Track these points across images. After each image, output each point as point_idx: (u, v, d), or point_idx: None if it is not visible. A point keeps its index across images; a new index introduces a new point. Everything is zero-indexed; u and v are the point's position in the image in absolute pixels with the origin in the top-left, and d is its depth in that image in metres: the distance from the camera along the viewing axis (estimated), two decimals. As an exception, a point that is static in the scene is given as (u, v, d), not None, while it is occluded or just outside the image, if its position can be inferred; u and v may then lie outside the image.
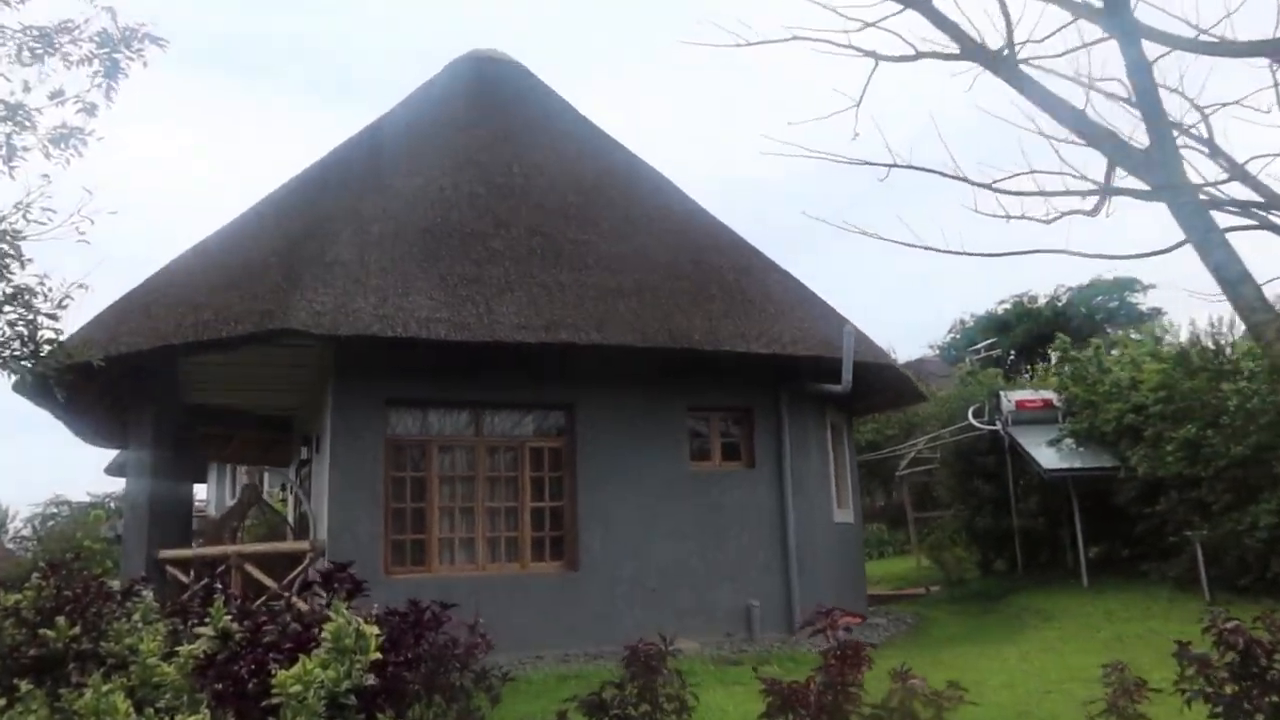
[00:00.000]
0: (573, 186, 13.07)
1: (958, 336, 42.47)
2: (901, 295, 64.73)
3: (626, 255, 11.99)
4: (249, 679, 4.36)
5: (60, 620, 6.11)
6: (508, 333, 10.11)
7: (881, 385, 13.53)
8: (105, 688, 4.98)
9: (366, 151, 12.91)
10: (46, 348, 5.56)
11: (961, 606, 14.90)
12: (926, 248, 5.33)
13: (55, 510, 42.82)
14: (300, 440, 11.57)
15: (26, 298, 5.29)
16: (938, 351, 41.43)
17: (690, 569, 11.40)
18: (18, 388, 10.55)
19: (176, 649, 5.92)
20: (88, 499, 40.73)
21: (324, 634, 4.14)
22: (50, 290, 5.37)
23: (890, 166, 4.99)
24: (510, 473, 11.09)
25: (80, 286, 5.54)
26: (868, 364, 11.95)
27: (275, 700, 4.01)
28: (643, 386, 11.57)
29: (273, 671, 4.18)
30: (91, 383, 11.43)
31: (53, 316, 5.39)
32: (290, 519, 13.40)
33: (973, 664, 9.05)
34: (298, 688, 3.86)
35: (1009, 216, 5.21)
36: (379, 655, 4.11)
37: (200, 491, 26.38)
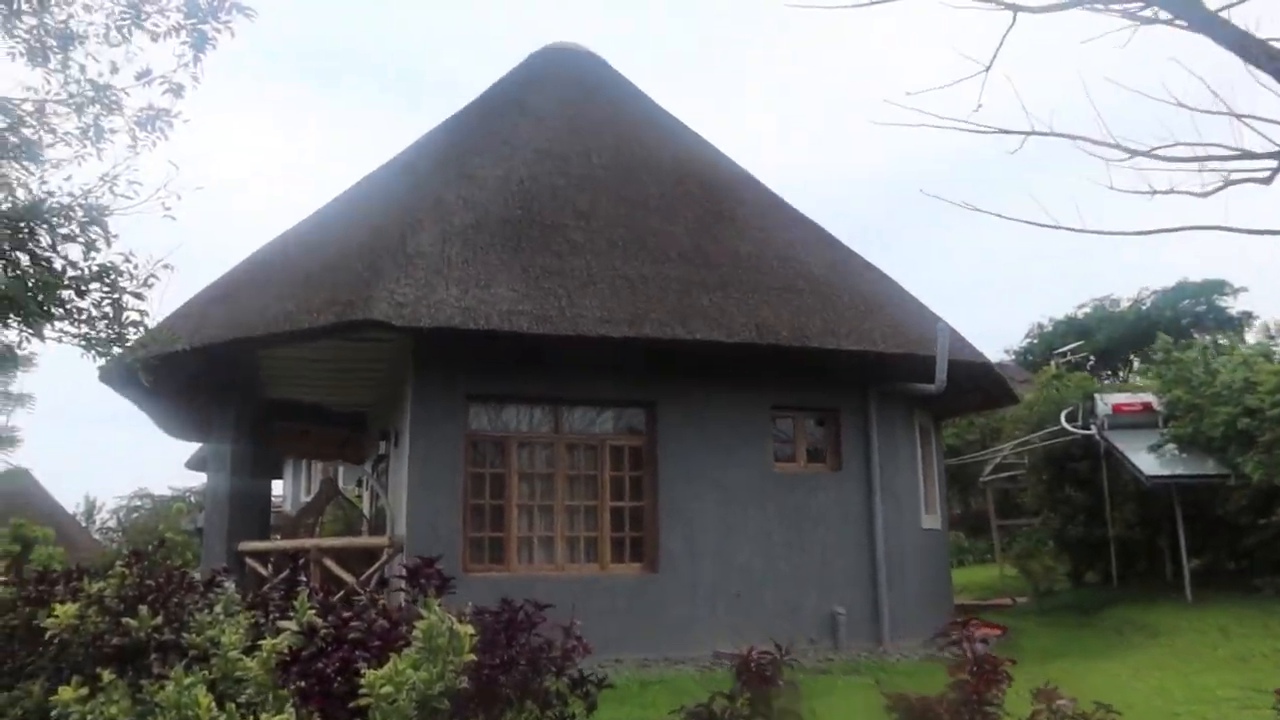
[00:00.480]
0: (653, 178, 12.77)
1: (1035, 341, 41.13)
2: (967, 301, 63.15)
3: (710, 248, 11.63)
4: (335, 677, 4.10)
5: (143, 609, 5.98)
6: (590, 326, 9.83)
7: (973, 385, 12.92)
8: (187, 681, 4.79)
9: (447, 143, 12.79)
10: (132, 330, 5.42)
11: (1053, 619, 14.18)
12: (1059, 227, 4.85)
13: (139, 503, 44.17)
14: (378, 435, 11.46)
15: (112, 276, 5.16)
16: (1013, 357, 40.14)
17: (774, 574, 10.98)
18: (104, 375, 10.63)
19: (258, 642, 5.75)
20: (169, 492, 41.88)
21: (415, 632, 3.87)
22: (136, 268, 5.23)
23: (1027, 134, 4.54)
24: (590, 471, 10.80)
25: (165, 266, 5.39)
26: (961, 363, 11.39)
27: (363, 701, 3.73)
28: (726, 385, 11.19)
29: (360, 670, 3.92)
30: (176, 372, 11.50)
31: (138, 296, 5.25)
32: (366, 514, 13.33)
33: (1081, 681, 8.47)
34: (388, 689, 3.58)
35: (1154, 192, 4.70)
36: (473, 657, 3.82)
37: (276, 488, 26.76)
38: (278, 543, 10.87)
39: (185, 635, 5.90)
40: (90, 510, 43.14)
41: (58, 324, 5.17)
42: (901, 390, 11.71)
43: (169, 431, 15.25)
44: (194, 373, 11.98)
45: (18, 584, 6.89)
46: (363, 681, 3.79)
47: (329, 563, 10.22)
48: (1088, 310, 40.48)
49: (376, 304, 9.29)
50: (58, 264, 5.16)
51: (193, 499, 37.95)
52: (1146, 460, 13.58)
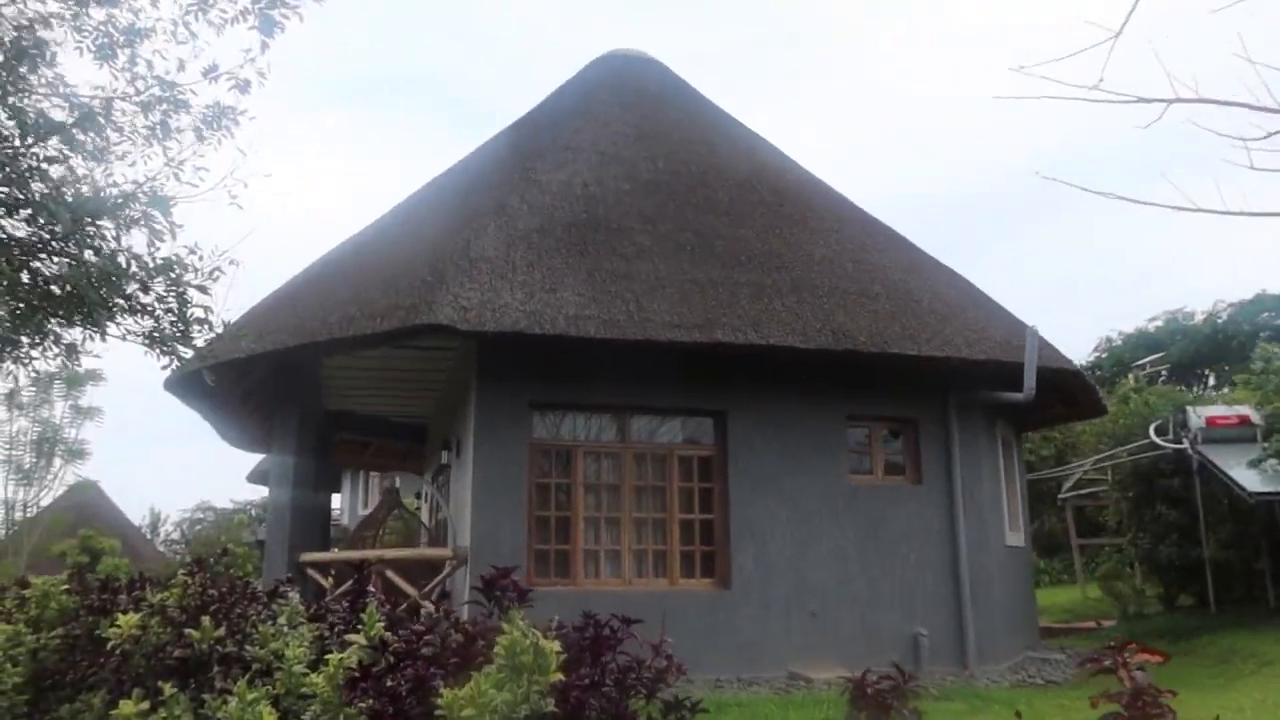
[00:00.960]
0: (721, 182, 12.41)
1: (1104, 355, 39.76)
2: (1024, 315, 61.33)
3: (782, 252, 11.21)
4: (408, 696, 3.76)
5: (205, 620, 5.74)
6: (660, 331, 9.47)
7: (1057, 395, 12.27)
8: (251, 696, 4.50)
9: (510, 149, 12.58)
10: (196, 328, 5.19)
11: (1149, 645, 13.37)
12: (1201, 210, 4.35)
13: (202, 515, 44.91)
14: (439, 444, 11.22)
15: (177, 272, 4.93)
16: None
17: (851, 592, 10.46)
18: (168, 384, 10.55)
19: (324, 656, 5.46)
20: (231, 505, 42.51)
21: (496, 649, 3.51)
22: (201, 259, 4.99)
23: (1170, 102, 4.06)
24: (658, 482, 10.42)
25: (231, 262, 5.15)
26: (1048, 370, 10.77)
27: (441, 724, 3.38)
28: (798, 394, 10.74)
29: (436, 689, 3.57)
30: (239, 380, 11.39)
31: (202, 289, 5.02)
32: (426, 525, 13.10)
33: (1205, 715, 7.82)
34: (469, 711, 3.23)
35: (1310, 167, 4.18)
36: (559, 676, 3.45)
37: (334, 501, 26.86)
38: (339, 554, 10.65)
39: (248, 648, 5.63)
40: (155, 523, 43.89)
41: (121, 320, 4.94)
42: (984, 399, 11.13)
43: (231, 442, 15.23)
44: (256, 380, 11.89)
45: (81, 593, 6.70)
46: (440, 702, 3.44)
47: (391, 574, 9.96)
48: (1159, 323, 39.01)
49: (440, 308, 9.04)
50: (121, 259, 4.94)
51: (254, 512, 38.41)
52: (1247, 476, 12.75)
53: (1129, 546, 15.90)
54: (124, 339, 5.13)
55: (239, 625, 6.18)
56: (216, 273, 5.01)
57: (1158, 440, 14.65)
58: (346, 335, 9.32)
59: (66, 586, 6.84)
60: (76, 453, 26.26)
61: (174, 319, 5.11)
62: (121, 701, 5.05)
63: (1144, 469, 15.18)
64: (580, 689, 3.57)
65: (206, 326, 5.25)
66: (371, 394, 14.81)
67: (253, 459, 26.14)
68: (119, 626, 5.99)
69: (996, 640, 10.93)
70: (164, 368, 5.40)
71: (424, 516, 13.62)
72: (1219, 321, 37.25)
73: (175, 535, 43.17)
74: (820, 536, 10.50)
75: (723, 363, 10.41)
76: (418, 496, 16.45)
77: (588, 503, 10.17)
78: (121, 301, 4.90)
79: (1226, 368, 33.20)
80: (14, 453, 23.90)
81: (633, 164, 12.27)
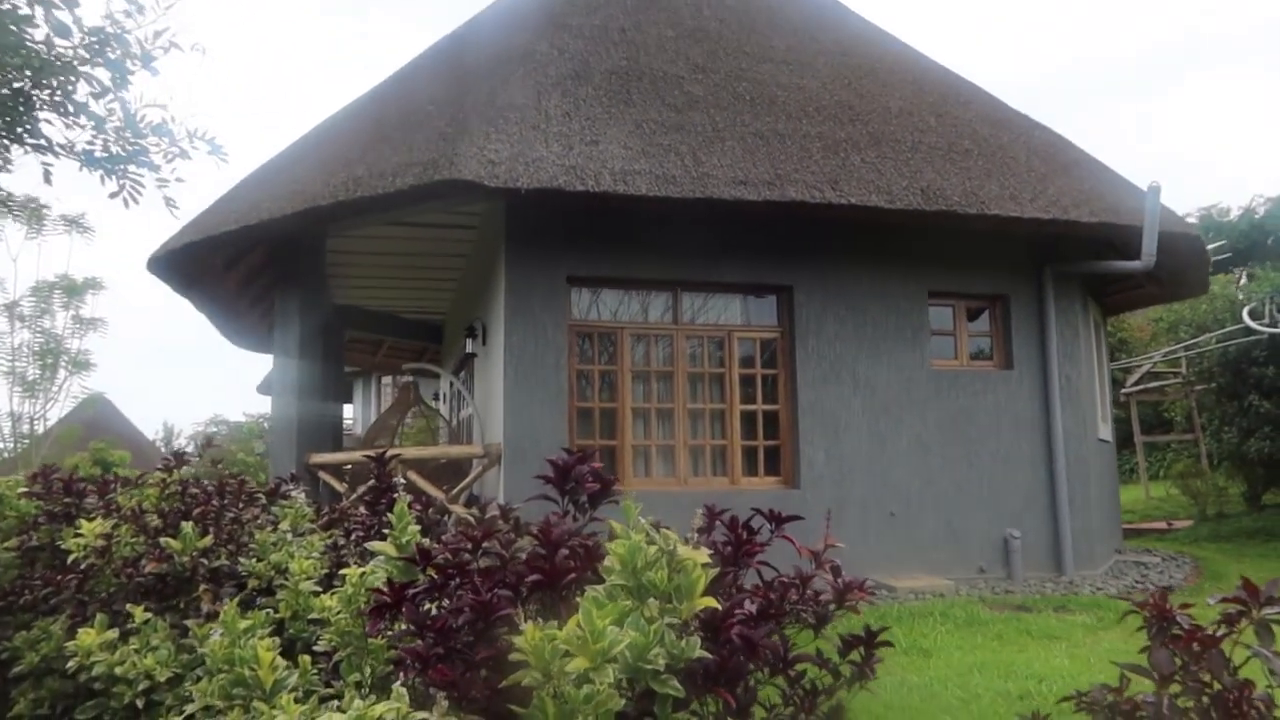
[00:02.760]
0: (775, 30, 10.76)
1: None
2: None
3: (853, 104, 9.65)
4: (464, 629, 2.43)
5: (187, 527, 4.50)
6: (722, 188, 8.00)
7: (1159, 270, 10.78)
8: (244, 624, 3.19)
9: (534, -5, 10.88)
10: (154, 142, 3.78)
11: (1234, 546, 12.23)
12: None
13: (215, 429, 44.36)
14: (460, 336, 9.90)
15: (114, 49, 3.50)
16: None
17: (936, 491, 9.22)
18: (152, 264, 9.19)
19: (340, 571, 4.25)
20: (244, 418, 41.81)
21: (607, 561, 2.23)
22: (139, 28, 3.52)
23: None
24: (716, 369, 9.10)
25: (195, 48, 3.70)
26: (1172, 234, 9.27)
27: (523, 677, 2.07)
28: (873, 266, 9.32)
29: (509, 622, 2.28)
30: (232, 261, 10.03)
31: (146, 62, 3.59)
32: (448, 423, 11.87)
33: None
34: (580, 661, 1.94)
35: None
36: (712, 603, 2.16)
37: (345, 411, 25.77)
38: (353, 453, 9.43)
39: (243, 561, 4.39)
40: (169, 436, 43.38)
41: (41, 116, 3.54)
42: (1087, 271, 9.70)
43: (234, 341, 13.95)
44: (254, 264, 10.52)
45: (43, 496, 5.45)
46: (519, 642, 2.11)
47: (414, 476, 8.75)
48: (1193, 219, 37.22)
49: (464, 163, 7.58)
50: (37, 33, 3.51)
51: (265, 424, 37.62)
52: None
53: (1210, 441, 14.63)
54: (54, 152, 3.73)
55: (232, 534, 4.96)
56: (166, 45, 3.57)
57: (1252, 324, 13.25)
58: (352, 198, 7.89)
59: (25, 488, 5.61)
60: (81, 364, 25.38)
61: (120, 126, 3.70)
62: (80, 631, 3.80)
63: (1233, 357, 13.81)
64: (743, 622, 2.27)
65: (165, 138, 3.84)
66: (382, 285, 13.45)
67: (262, 370, 25.04)
68: (82, 536, 4.74)
69: (1093, 543, 9.74)
70: (111, 196, 4.02)
71: (444, 413, 12.38)
72: (1255, 217, 35.44)
73: (190, 449, 42.64)
74: (900, 429, 9.22)
75: (788, 230, 9.00)
76: (436, 398, 15.20)
77: (635, 392, 8.87)
78: (43, 95, 3.48)
79: (1268, 263, 31.53)
80: (17, 364, 22.98)
81: (673, 9, 10.61)
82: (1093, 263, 9.46)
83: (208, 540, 4.51)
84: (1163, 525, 14.90)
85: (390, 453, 8.74)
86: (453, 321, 14.79)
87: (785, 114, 9.14)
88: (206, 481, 5.22)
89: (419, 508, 4.78)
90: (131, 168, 3.89)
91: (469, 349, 10.05)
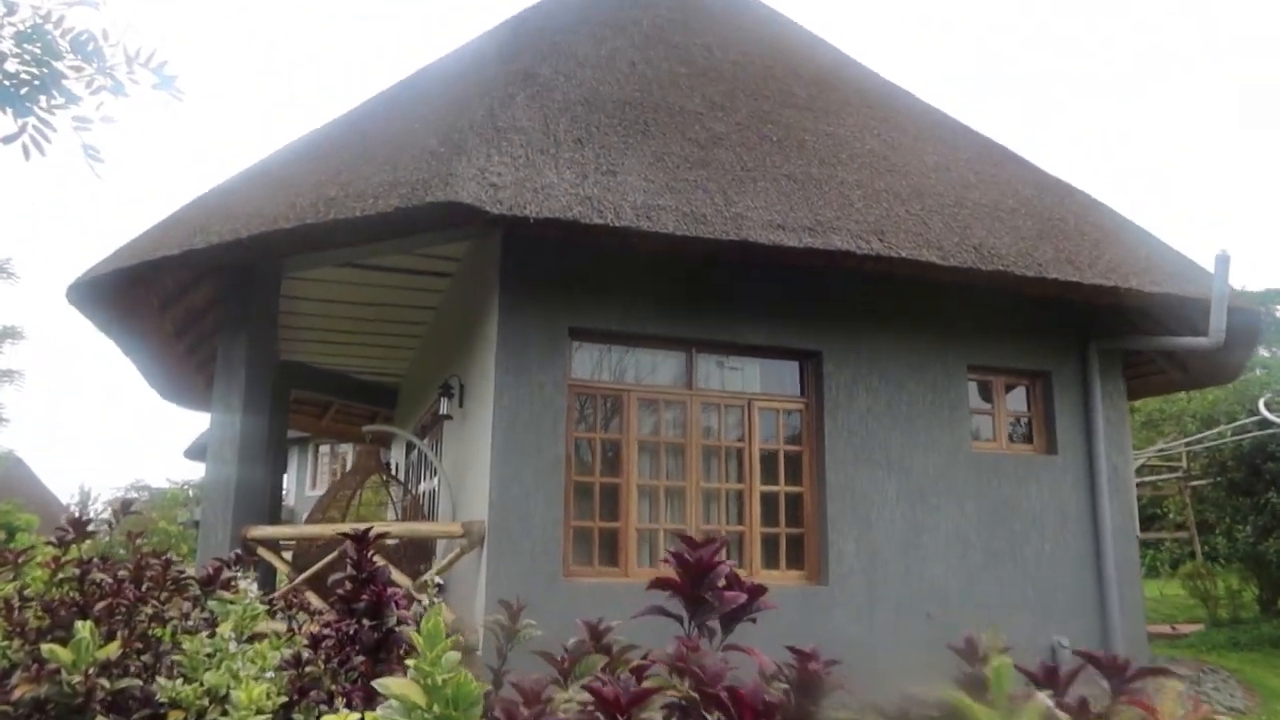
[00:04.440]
0: (795, 77, 9.90)
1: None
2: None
3: (887, 154, 8.75)
4: None
5: (83, 628, 3.12)
6: (758, 231, 6.93)
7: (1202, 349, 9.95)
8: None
9: (536, 23, 9.90)
10: (71, 61, 2.56)
11: (1261, 656, 11.25)
12: None
13: (135, 494, 41.66)
14: (426, 396, 8.56)
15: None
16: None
17: (975, 590, 8.06)
18: (71, 293, 7.77)
19: (305, 702, 2.91)
20: (167, 484, 39.26)
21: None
22: None
23: None
24: (735, 442, 7.91)
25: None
26: (1233, 308, 8.40)
27: None
28: (907, 333, 8.31)
29: None
30: (174, 298, 8.64)
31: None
32: (406, 496, 10.41)
33: None
34: None
35: None
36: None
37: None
38: (304, 527, 7.95)
39: (163, 681, 3.02)
40: (85, 501, 40.60)
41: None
42: (1143, 348, 8.82)
43: (165, 394, 12.37)
44: (194, 303, 9.14)
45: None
46: None
47: (376, 557, 7.30)
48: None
49: (461, 184, 6.40)
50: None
51: (191, 492, 35.22)
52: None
53: (1220, 539, 13.77)
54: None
55: (148, 639, 3.59)
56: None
57: (1268, 415, 12.55)
58: (322, 221, 6.63)
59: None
60: (-8, 417, 23.66)
61: (25, 31, 2.46)
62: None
63: (1247, 451, 13.07)
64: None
65: (93, 61, 2.60)
66: (334, 340, 12.09)
67: (191, 433, 23.16)
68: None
69: (1140, 650, 8.62)
70: (6, 141, 2.76)
71: (404, 486, 10.90)
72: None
73: (106, 515, 40.09)
74: (938, 518, 8.08)
75: (815, 288, 7.97)
76: (387, 466, 13.69)
77: (641, 466, 7.62)
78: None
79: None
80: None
81: (681, 47, 9.71)
82: (1151, 338, 8.57)
83: (113, 648, 3.12)
84: (1168, 629, 13.91)
85: (350, 527, 7.27)
86: (411, 384, 13.44)
87: (818, 159, 8.18)
88: (119, 563, 3.84)
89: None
90: (42, 102, 2.64)
91: (443, 410, 8.71)
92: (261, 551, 7.94)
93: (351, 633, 3.22)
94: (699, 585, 2.27)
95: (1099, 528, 8.53)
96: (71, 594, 3.63)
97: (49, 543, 3.91)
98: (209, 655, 3.15)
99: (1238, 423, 13.11)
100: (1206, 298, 7.94)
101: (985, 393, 8.80)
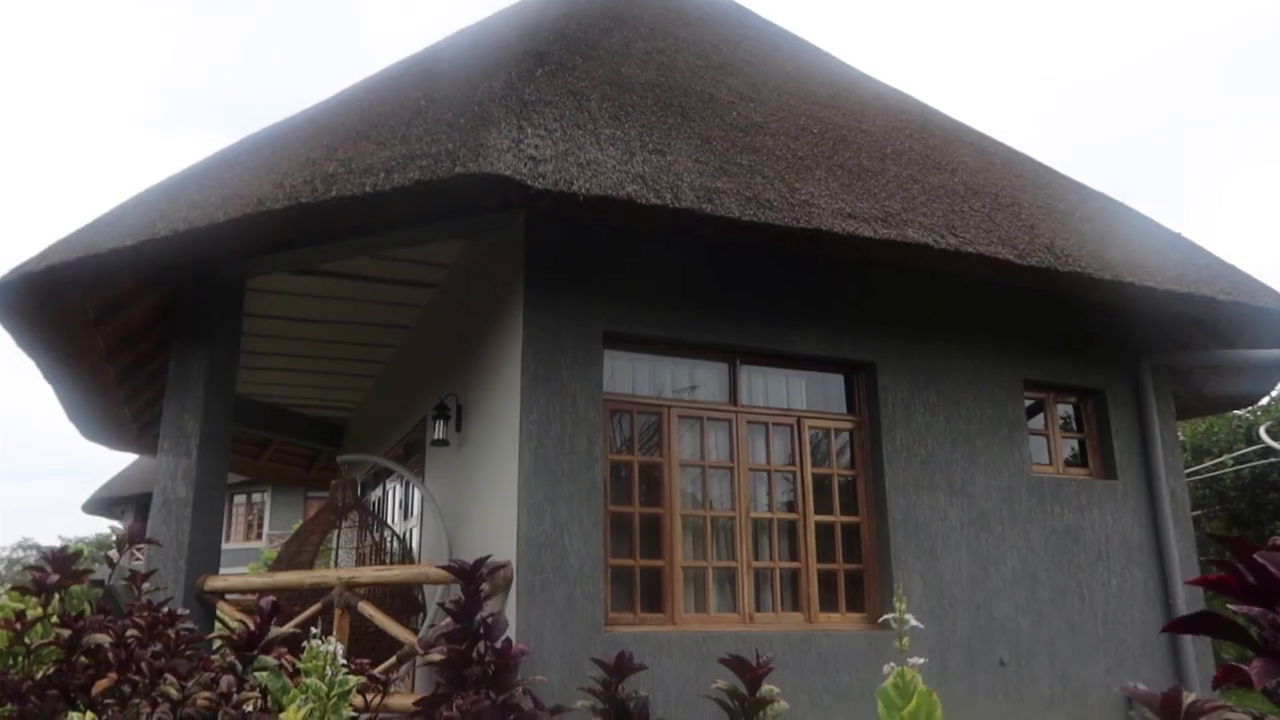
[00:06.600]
0: (812, 79, 9.20)
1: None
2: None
3: (928, 154, 8.04)
4: None
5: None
6: (829, 220, 6.05)
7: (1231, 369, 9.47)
8: None
9: (529, 15, 8.97)
10: None
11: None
12: None
13: (23, 554, 38.54)
14: (431, 413, 7.38)
15: None
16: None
17: (1047, 631, 7.21)
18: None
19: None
20: (59, 542, 36.28)
21: None
22: None
23: None
24: (785, 465, 6.94)
25: None
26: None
27: None
28: (962, 344, 7.52)
29: None
30: (111, 310, 7.33)
31: None
32: (379, 537, 9.05)
33: None
34: None
35: None
36: None
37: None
38: (276, 577, 6.61)
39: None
40: (-35, 562, 37.50)
41: None
42: (1195, 362, 8.22)
43: (85, 429, 10.81)
44: (132, 318, 7.80)
45: None
46: None
47: (370, 609, 6.08)
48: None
49: (495, 155, 5.36)
50: None
51: (86, 550, 32.44)
52: None
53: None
54: None
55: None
56: None
57: (1271, 443, 12.21)
58: (320, 200, 5.49)
59: None
60: None
61: None
62: None
63: (1247, 481, 12.72)
64: None
65: None
66: (282, 366, 10.75)
67: (90, 485, 21.08)
68: None
69: (1209, 695, 7.87)
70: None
71: (383, 524, 9.50)
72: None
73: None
74: (1004, 549, 7.24)
75: (866, 291, 7.15)
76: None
77: (684, 495, 6.58)
78: None
79: None
80: None
81: (694, 43, 8.90)
82: (1219, 351, 7.97)
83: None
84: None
85: (336, 574, 6.12)
86: (368, 417, 12.14)
87: (865, 152, 7.40)
88: (116, 615, 2.63)
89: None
90: None
91: (437, 435, 7.51)
92: (222, 606, 6.59)
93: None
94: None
95: (1164, 560, 7.81)
96: (47, 667, 2.42)
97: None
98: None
99: (1238, 452, 12.75)
100: (1278, 308, 7.38)
101: (1037, 411, 8.06)
